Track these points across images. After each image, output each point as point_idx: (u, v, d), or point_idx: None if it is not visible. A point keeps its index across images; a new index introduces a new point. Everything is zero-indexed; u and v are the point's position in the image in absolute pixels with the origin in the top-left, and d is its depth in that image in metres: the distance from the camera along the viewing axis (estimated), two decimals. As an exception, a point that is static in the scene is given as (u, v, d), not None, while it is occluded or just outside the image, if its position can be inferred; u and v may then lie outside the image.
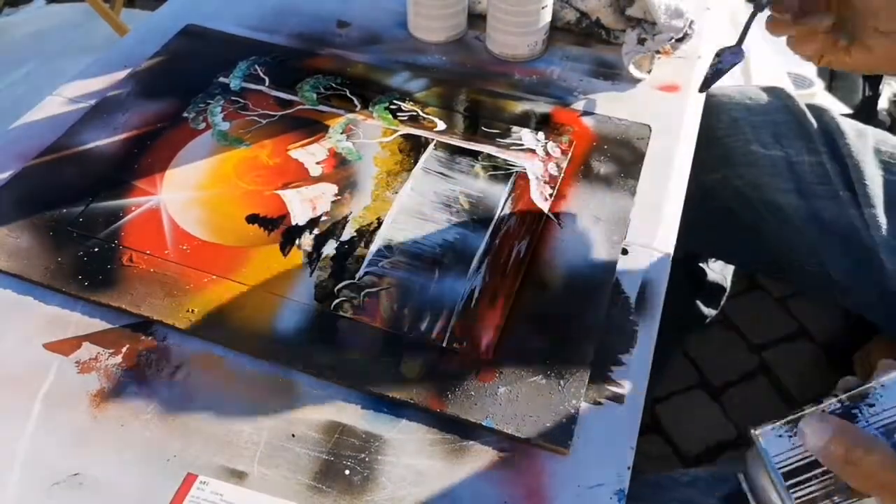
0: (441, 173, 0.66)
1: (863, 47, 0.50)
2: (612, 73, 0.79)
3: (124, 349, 0.53)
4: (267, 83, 0.75)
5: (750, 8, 0.57)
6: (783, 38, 0.59)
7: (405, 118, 0.71)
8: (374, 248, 0.60)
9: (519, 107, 0.73)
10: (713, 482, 0.57)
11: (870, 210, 0.71)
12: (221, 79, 0.75)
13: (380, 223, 0.62)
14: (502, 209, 0.63)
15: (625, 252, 0.60)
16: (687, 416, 1.05)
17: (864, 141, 0.73)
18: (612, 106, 0.74)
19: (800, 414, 0.41)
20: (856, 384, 0.42)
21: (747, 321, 1.16)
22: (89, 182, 0.64)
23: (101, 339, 0.53)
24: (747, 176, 0.77)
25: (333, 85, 0.75)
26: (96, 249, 0.59)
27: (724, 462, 0.60)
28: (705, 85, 0.63)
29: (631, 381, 0.52)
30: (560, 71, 0.79)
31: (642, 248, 0.61)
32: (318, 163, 0.67)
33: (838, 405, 0.41)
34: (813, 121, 0.75)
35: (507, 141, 0.69)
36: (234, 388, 0.51)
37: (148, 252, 0.59)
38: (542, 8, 0.76)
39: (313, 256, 0.59)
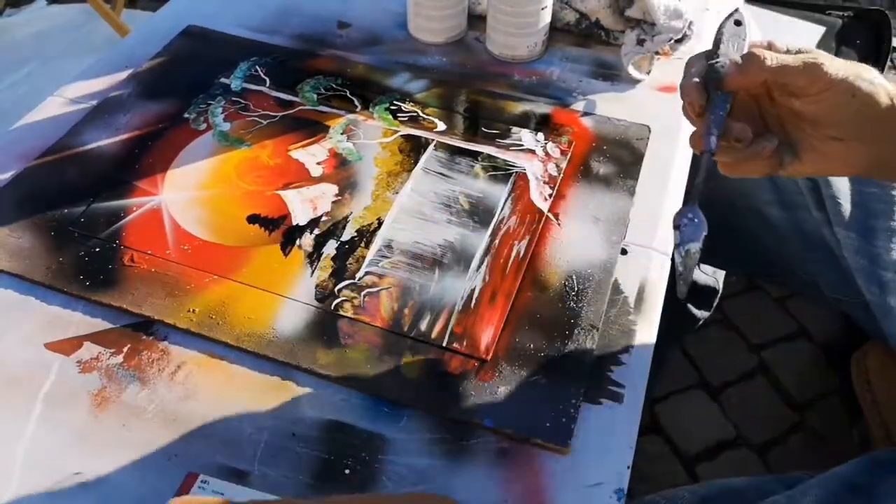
0: (441, 174, 0.66)
1: (816, 154, 0.48)
2: (611, 74, 0.79)
3: (125, 349, 0.53)
4: (268, 84, 0.75)
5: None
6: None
7: (405, 119, 0.72)
8: (374, 248, 0.60)
9: (519, 107, 0.73)
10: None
11: (841, 230, 0.68)
12: (222, 79, 0.75)
13: (380, 223, 0.62)
14: (502, 209, 0.63)
15: (624, 252, 0.60)
16: (686, 415, 1.05)
17: None
18: (611, 107, 0.74)
19: None
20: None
21: (746, 321, 1.16)
22: (91, 182, 0.64)
23: (103, 338, 0.54)
24: (736, 184, 0.77)
25: (334, 86, 0.75)
26: (97, 249, 0.59)
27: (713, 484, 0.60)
28: (684, 285, 0.47)
29: (630, 381, 0.52)
30: (559, 72, 0.79)
31: (641, 248, 0.61)
32: (318, 163, 0.67)
33: None
34: None
35: (507, 141, 0.69)
36: (235, 387, 0.51)
37: (149, 252, 0.59)
38: (542, 9, 0.76)
39: (314, 256, 0.59)
